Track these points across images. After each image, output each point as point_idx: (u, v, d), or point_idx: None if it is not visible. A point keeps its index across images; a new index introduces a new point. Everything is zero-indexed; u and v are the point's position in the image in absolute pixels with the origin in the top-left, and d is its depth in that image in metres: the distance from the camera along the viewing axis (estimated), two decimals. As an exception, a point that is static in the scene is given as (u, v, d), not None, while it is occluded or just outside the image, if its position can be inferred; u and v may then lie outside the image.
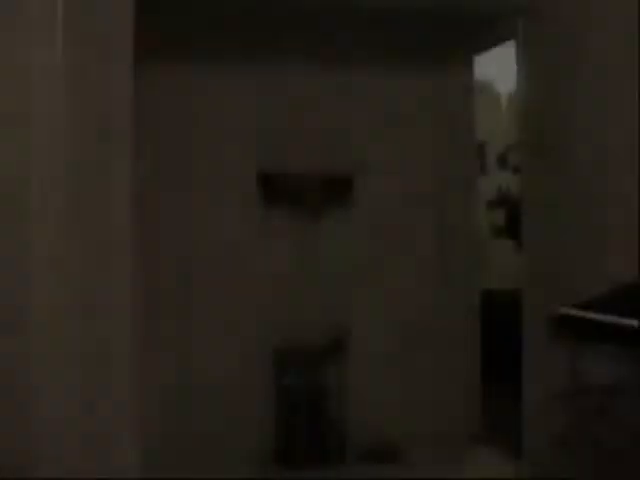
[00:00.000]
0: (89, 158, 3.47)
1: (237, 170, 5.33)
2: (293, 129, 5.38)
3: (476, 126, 5.86)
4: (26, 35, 3.10)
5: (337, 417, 5.25)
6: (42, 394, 3.24)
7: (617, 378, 3.42)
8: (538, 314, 4.32)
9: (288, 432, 5.19)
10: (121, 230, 3.65)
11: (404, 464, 5.07)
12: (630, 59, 3.74)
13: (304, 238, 5.45)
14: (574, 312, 3.20)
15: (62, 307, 3.30)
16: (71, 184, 3.33)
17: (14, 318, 3.17)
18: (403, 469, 4.99)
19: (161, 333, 4.99)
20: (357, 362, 5.32)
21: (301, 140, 5.39)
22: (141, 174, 3.72)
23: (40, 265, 3.21)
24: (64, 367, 3.31)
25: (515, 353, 4.71)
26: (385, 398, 5.38)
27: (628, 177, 3.74)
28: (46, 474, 3.16)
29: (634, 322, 2.77)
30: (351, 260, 5.48)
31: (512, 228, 6.94)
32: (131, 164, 3.67)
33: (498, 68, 6.83)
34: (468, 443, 5.48)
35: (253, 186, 5.38)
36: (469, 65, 5.78)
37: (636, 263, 3.47)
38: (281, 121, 5.37)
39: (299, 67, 5.36)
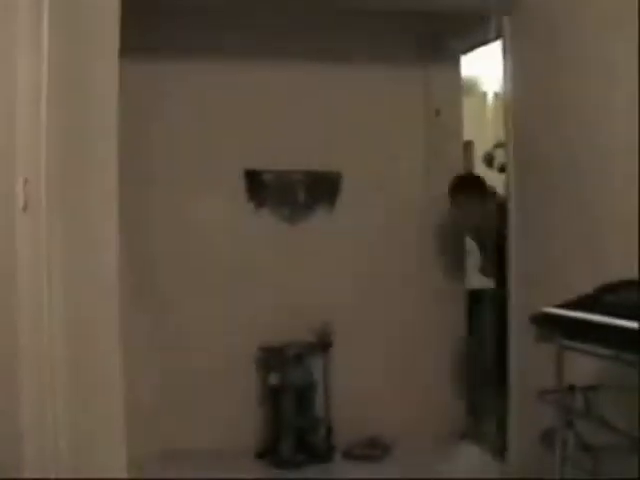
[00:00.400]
0: (74, 155, 3.46)
1: (224, 167, 5.33)
2: (281, 127, 5.38)
3: (462, 125, 5.87)
4: (11, 33, 3.09)
5: (324, 415, 5.24)
6: (29, 391, 3.23)
7: (601, 377, 3.42)
8: (524, 313, 4.32)
9: (274, 431, 5.19)
10: (107, 227, 3.64)
11: (390, 463, 5.07)
12: (617, 56, 3.74)
13: (290, 236, 5.45)
14: (558, 311, 3.20)
15: (47, 303, 3.29)
16: (55, 181, 3.32)
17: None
18: (389, 467, 5.00)
19: (146, 332, 4.97)
20: (343, 360, 5.32)
21: (289, 138, 5.39)
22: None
23: (24, 262, 3.19)
24: (52, 367, 3.31)
25: (501, 352, 4.72)
26: (371, 397, 5.38)
27: (618, 175, 3.74)
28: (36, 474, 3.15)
29: (624, 322, 2.77)
30: (337, 258, 5.48)
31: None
32: (116, 161, 3.66)
33: (484, 67, 6.83)
34: (454, 442, 5.49)
35: (240, 183, 5.38)
36: (455, 64, 5.79)
37: (626, 263, 3.47)
38: (269, 119, 5.37)
39: (288, 65, 5.35)
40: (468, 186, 5.47)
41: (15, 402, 3.17)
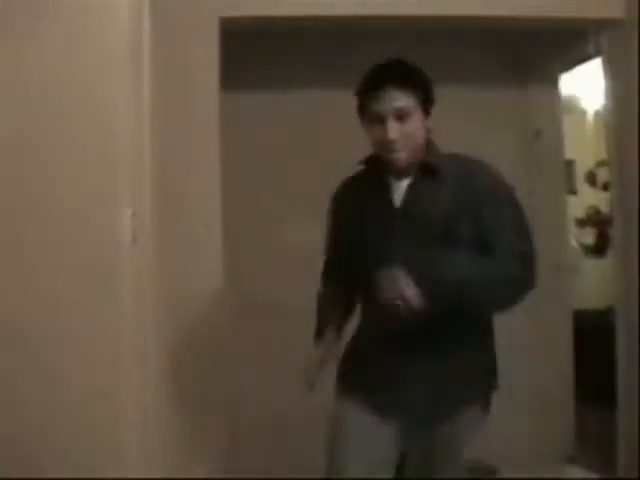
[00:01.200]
0: (178, 182, 3.55)
1: (314, 187, 5.38)
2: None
3: (564, 144, 5.81)
4: (112, 66, 3.17)
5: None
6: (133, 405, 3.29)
7: None
8: (631, 332, 4.26)
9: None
10: (212, 255, 3.73)
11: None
12: None
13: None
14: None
15: (154, 333, 3.37)
16: (161, 212, 3.40)
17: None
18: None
19: (248, 352, 5.04)
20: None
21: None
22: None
23: (130, 294, 3.25)
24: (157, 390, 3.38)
25: (609, 373, 4.65)
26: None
27: None
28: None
29: None
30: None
31: (602, 247, 6.85)
32: (220, 192, 3.74)
33: (585, 85, 6.76)
34: (562, 463, 5.41)
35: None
36: (555, 83, 5.75)
37: None
38: (361, 140, 5.41)
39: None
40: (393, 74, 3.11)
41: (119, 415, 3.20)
